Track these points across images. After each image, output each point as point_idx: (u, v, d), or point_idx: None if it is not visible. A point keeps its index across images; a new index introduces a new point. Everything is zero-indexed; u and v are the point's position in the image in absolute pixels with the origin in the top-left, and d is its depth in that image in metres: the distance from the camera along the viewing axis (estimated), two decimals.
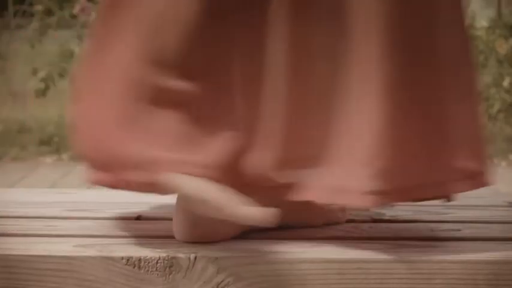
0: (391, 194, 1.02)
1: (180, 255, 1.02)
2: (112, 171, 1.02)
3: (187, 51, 1.01)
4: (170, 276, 1.02)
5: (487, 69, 4.60)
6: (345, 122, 1.03)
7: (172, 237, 1.11)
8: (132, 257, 1.02)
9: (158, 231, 1.15)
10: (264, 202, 0.99)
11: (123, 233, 1.14)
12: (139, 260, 1.02)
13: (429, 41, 1.03)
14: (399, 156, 1.02)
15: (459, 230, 1.16)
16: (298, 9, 1.02)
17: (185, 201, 1.03)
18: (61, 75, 4.85)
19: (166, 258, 1.02)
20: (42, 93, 4.77)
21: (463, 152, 1.06)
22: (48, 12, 4.96)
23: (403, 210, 1.27)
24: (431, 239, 1.10)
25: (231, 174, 1.03)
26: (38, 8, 4.91)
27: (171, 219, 1.22)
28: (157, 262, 1.02)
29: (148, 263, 1.02)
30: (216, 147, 1.02)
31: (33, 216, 1.24)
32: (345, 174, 1.02)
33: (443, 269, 1.01)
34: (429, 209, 1.27)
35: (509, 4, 4.99)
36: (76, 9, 4.83)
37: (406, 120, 1.02)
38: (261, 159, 1.04)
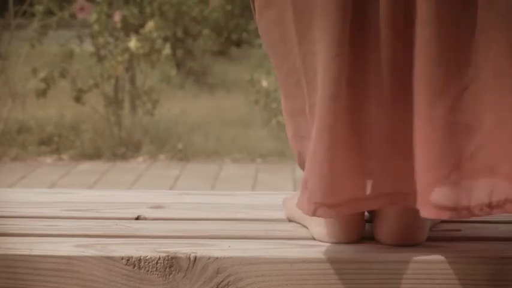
0: None
1: (180, 255, 1.02)
2: None
3: None
4: (170, 276, 1.02)
5: None
6: None
7: (172, 237, 1.11)
8: (132, 257, 1.02)
9: (158, 231, 1.15)
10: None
11: (123, 233, 1.14)
12: (139, 260, 1.02)
13: None
14: None
15: (459, 230, 1.16)
16: None
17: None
18: (61, 75, 4.85)
19: (167, 258, 1.02)
20: (42, 93, 4.77)
21: None
22: (49, 13, 4.96)
23: None
24: (431, 239, 1.10)
25: None
26: (38, 8, 4.91)
27: (171, 219, 1.22)
28: (157, 262, 1.02)
29: (148, 263, 1.02)
30: None
31: (33, 216, 1.24)
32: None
33: (444, 269, 1.01)
34: None
35: None
36: (75, 9, 4.83)
37: None
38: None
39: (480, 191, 0.98)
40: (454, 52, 0.98)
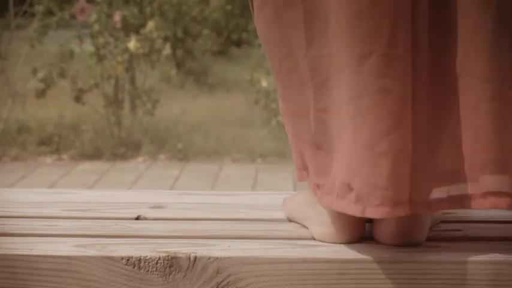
0: None
1: (180, 255, 1.02)
2: None
3: None
4: (170, 276, 1.02)
5: None
6: None
7: (172, 237, 1.11)
8: (132, 257, 1.02)
9: (158, 231, 1.15)
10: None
11: (123, 233, 1.14)
12: (139, 260, 1.02)
13: None
14: None
15: (459, 230, 1.16)
16: None
17: None
18: (61, 75, 4.86)
19: (167, 258, 1.02)
20: (41, 93, 4.77)
21: None
22: (49, 13, 4.96)
23: None
24: (431, 239, 1.10)
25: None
26: (38, 8, 4.91)
27: (171, 219, 1.22)
28: (157, 262, 1.02)
29: (148, 263, 1.02)
30: None
31: (33, 216, 1.24)
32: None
33: (444, 269, 1.01)
34: None
35: None
36: (75, 10, 4.84)
37: None
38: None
39: (438, 188, 1.04)
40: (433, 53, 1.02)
